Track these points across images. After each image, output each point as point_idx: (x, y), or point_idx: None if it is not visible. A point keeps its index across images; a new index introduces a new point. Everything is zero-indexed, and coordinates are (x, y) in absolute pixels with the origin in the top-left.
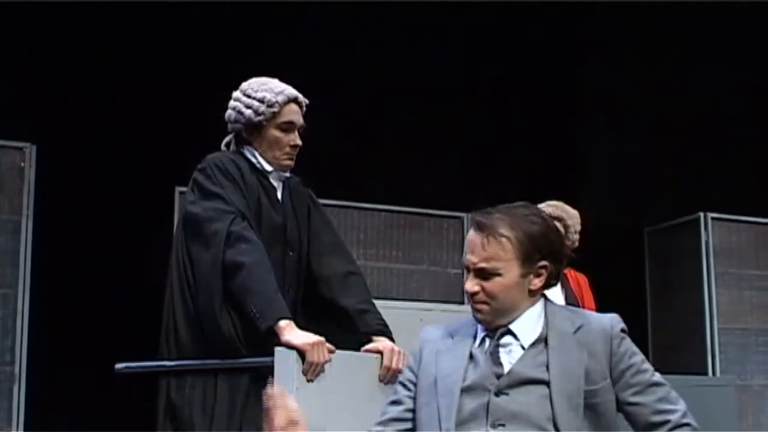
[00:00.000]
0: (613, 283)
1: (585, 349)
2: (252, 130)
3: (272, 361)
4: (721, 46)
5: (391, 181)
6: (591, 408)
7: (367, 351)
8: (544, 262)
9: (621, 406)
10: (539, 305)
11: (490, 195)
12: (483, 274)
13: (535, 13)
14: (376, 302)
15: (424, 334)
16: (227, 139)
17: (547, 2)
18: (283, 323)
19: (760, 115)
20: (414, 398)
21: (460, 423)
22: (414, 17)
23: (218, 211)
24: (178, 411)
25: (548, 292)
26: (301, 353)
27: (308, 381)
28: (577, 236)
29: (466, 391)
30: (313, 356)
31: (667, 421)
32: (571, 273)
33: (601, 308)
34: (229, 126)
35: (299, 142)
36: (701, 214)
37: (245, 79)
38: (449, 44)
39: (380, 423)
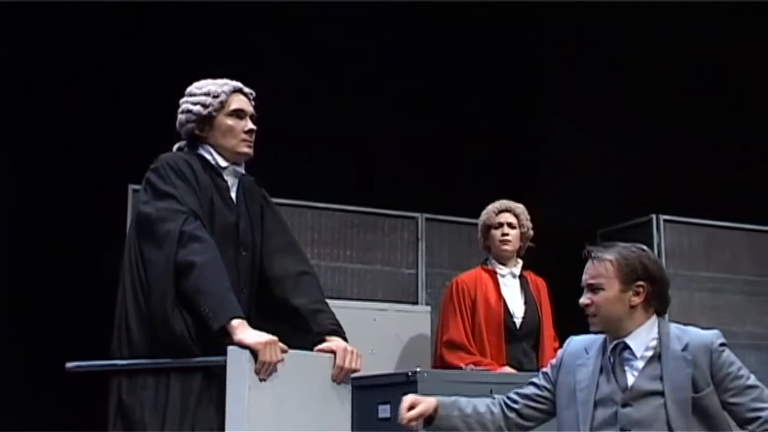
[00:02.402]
0: (565, 284)
1: (691, 362)
2: (204, 125)
3: (225, 361)
4: (675, 49)
5: (346, 181)
6: (700, 410)
7: (320, 351)
8: (641, 282)
9: (723, 405)
10: (652, 323)
11: (446, 196)
12: (592, 289)
13: (495, 14)
14: (330, 302)
15: (569, 345)
16: (178, 144)
17: (508, 2)
18: (235, 322)
19: (711, 119)
20: (551, 392)
21: (595, 429)
22: (371, 17)
23: (171, 210)
24: (130, 411)
25: (507, 293)
26: (254, 352)
27: (261, 380)
28: (529, 223)
29: (598, 402)
30: (266, 355)
31: (759, 417)
32: (531, 276)
33: (555, 310)
34: (182, 130)
35: (253, 126)
36: (653, 216)
37: (197, 77)
38: (405, 44)
39: (517, 393)
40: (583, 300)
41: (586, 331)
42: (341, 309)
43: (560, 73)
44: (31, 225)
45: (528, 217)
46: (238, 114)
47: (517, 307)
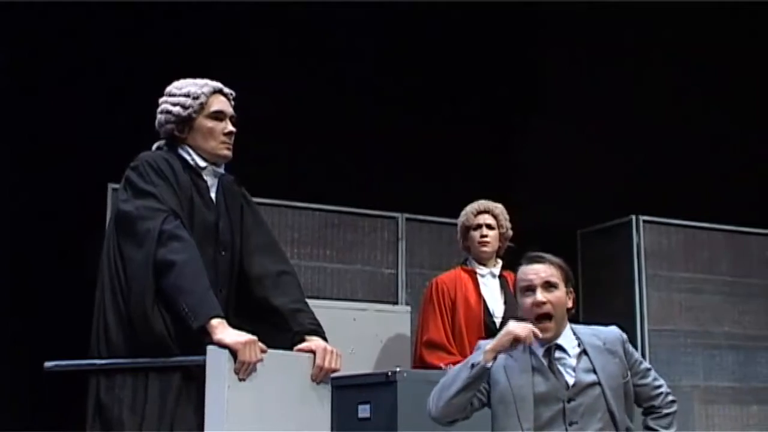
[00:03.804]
0: None
1: (614, 354)
2: (183, 126)
3: (204, 360)
4: (656, 52)
5: (326, 181)
6: (624, 394)
7: (299, 350)
8: (571, 288)
9: (632, 387)
10: (568, 326)
11: (425, 196)
12: (547, 287)
13: (472, 11)
14: (310, 302)
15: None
16: (157, 143)
17: (481, 2)
18: (215, 322)
19: (691, 120)
20: (487, 388)
21: (542, 426)
22: (352, 13)
23: (151, 209)
24: (108, 410)
25: (486, 293)
26: (233, 352)
27: (240, 380)
28: (508, 224)
29: (540, 399)
30: (245, 355)
31: (660, 393)
32: (511, 276)
33: None
34: (161, 130)
35: (233, 128)
36: (633, 217)
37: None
38: (381, 43)
39: None
40: (540, 297)
41: None
42: (321, 309)
43: (542, 75)
44: (12, 224)
45: (507, 217)
46: (218, 116)
47: (496, 307)
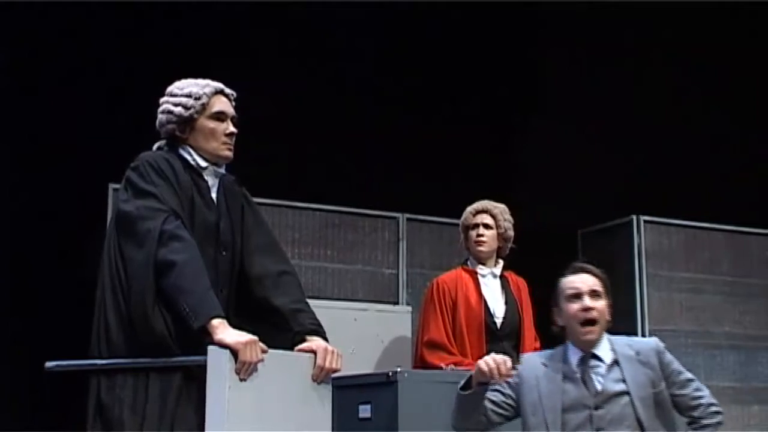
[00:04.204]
0: (546, 285)
1: (646, 364)
2: (185, 127)
3: (205, 360)
4: (656, 52)
5: (326, 181)
6: (658, 404)
7: (300, 350)
8: (611, 302)
9: (671, 397)
10: (606, 335)
11: (426, 196)
12: (594, 295)
13: (472, 11)
14: (311, 302)
15: (526, 362)
16: (158, 143)
17: (481, 3)
18: (215, 322)
19: (691, 120)
20: (515, 401)
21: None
22: (352, 13)
23: (151, 209)
24: (108, 410)
25: (487, 293)
26: (234, 352)
27: (241, 380)
28: (507, 224)
29: (568, 407)
30: (246, 355)
31: (701, 404)
32: (512, 276)
33: (535, 310)
34: (162, 130)
35: (234, 129)
36: (634, 217)
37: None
38: (382, 43)
39: (488, 399)
40: (588, 303)
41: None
42: (322, 309)
43: (542, 75)
44: (13, 224)
45: (507, 218)
46: (220, 117)
47: (497, 308)
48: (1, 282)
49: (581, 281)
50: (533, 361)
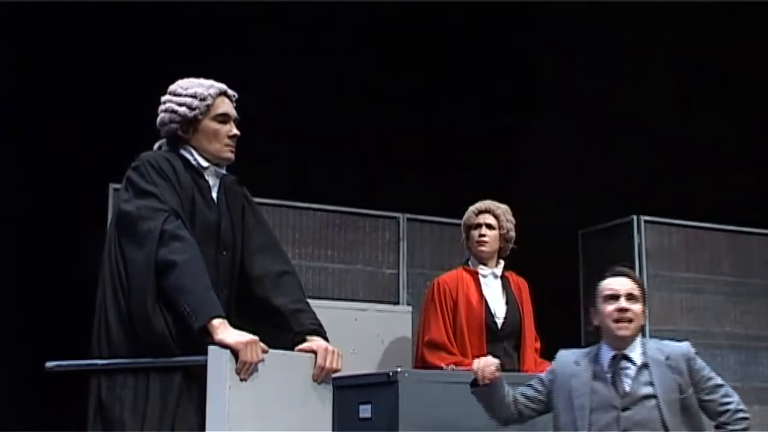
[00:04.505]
0: (547, 284)
1: (675, 369)
2: (188, 127)
3: (205, 360)
4: (656, 52)
5: (327, 181)
6: (685, 409)
7: (301, 350)
8: (645, 307)
9: (699, 403)
10: (638, 339)
11: (426, 196)
12: (630, 298)
13: (472, 11)
14: (311, 302)
15: (559, 358)
16: (159, 143)
17: (481, 3)
18: (216, 322)
19: (691, 120)
20: (547, 396)
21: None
22: (352, 13)
23: (152, 209)
24: (109, 410)
25: (488, 293)
26: (235, 352)
27: (241, 380)
28: (510, 225)
29: (596, 407)
30: (247, 355)
31: (729, 409)
32: (513, 277)
33: (536, 311)
34: (163, 129)
35: (237, 132)
36: (634, 217)
37: (177, 77)
38: (382, 43)
39: (522, 394)
40: (624, 304)
41: (566, 330)
42: (322, 309)
43: (542, 75)
44: (14, 224)
45: (510, 218)
46: (224, 118)
47: (498, 308)
48: (1, 282)
49: (619, 284)
50: (567, 358)
